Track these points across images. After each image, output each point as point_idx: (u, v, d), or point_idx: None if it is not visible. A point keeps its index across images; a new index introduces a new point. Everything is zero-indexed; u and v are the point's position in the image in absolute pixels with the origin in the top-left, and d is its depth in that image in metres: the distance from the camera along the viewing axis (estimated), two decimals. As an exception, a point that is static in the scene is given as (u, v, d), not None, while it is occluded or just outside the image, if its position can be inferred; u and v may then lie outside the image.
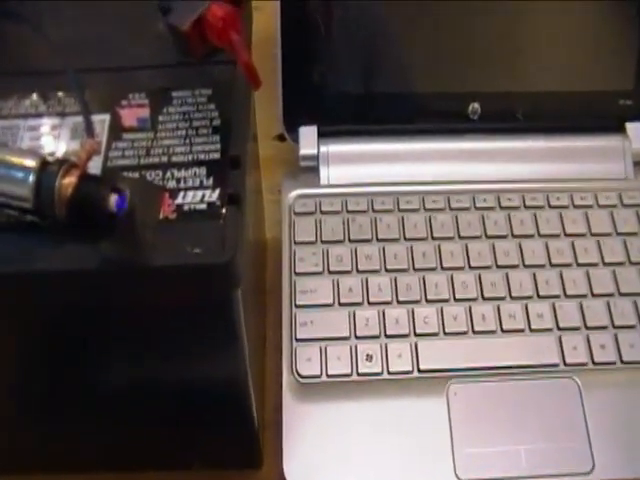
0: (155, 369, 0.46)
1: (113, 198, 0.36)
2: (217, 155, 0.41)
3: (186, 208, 0.39)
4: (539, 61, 0.65)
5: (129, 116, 0.43)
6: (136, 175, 0.40)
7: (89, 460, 0.53)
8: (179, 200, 0.39)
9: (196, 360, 0.45)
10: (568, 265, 0.61)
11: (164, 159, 0.41)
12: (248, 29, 0.47)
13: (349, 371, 0.55)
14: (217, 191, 0.39)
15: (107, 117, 0.43)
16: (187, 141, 0.42)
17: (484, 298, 0.59)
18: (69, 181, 0.36)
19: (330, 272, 0.59)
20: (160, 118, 0.43)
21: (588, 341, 0.57)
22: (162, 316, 0.41)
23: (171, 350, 0.43)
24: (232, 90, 0.44)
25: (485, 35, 0.64)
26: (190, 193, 0.39)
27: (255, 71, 0.39)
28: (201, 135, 0.42)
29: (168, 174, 0.40)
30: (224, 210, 0.38)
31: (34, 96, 0.44)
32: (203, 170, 0.40)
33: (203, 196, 0.39)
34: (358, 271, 0.59)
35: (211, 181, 0.40)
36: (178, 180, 0.40)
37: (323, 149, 0.64)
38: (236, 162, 0.40)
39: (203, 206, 0.39)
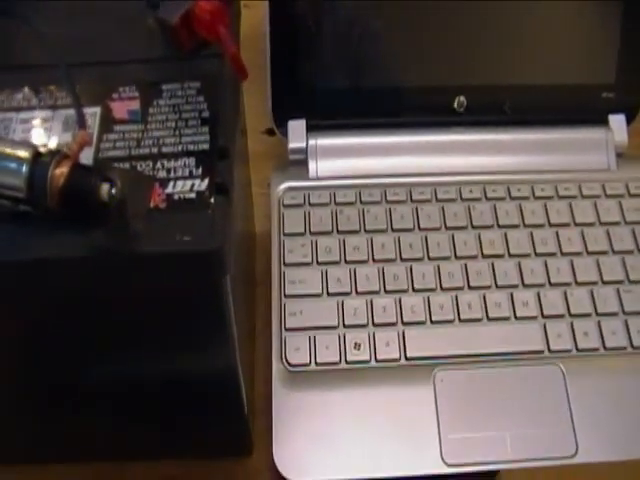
0: (145, 357, 0.46)
1: (104, 188, 0.36)
2: (206, 146, 0.42)
3: (176, 197, 0.39)
4: (524, 55, 0.66)
5: (120, 109, 0.43)
6: (127, 166, 0.41)
7: (79, 450, 0.54)
8: (169, 189, 0.40)
9: (186, 348, 0.45)
10: (552, 254, 0.62)
11: (154, 150, 0.42)
12: (236, 24, 0.47)
13: (337, 359, 0.56)
14: (206, 181, 0.40)
15: (98, 110, 0.43)
16: (177, 132, 0.42)
17: (470, 287, 0.60)
18: (61, 171, 0.36)
19: (319, 263, 0.60)
20: (150, 110, 0.43)
21: (572, 328, 0.58)
22: (153, 303, 0.41)
23: (161, 338, 0.44)
24: (220, 83, 0.44)
25: (471, 29, 0.65)
26: (180, 183, 0.40)
27: (242, 63, 0.40)
28: (190, 127, 0.42)
29: (158, 164, 0.41)
30: (212, 199, 0.39)
31: (26, 90, 0.44)
32: (192, 160, 0.41)
33: (192, 185, 0.40)
34: (346, 262, 0.60)
35: (200, 171, 0.40)
36: (168, 170, 0.41)
37: (312, 142, 0.65)
38: (224, 152, 0.41)
39: (192, 195, 0.39)
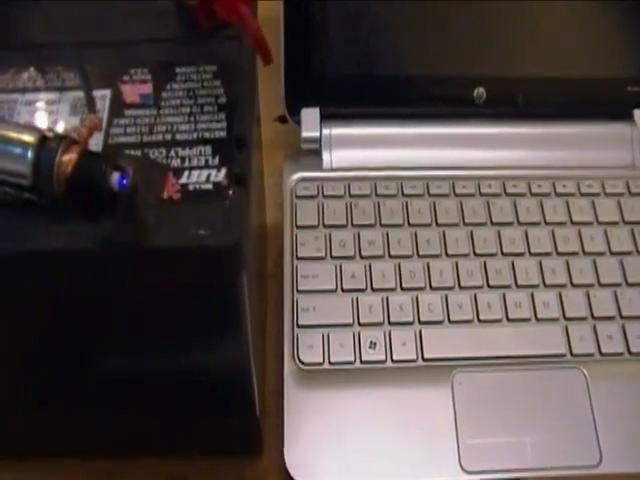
0: (156, 354, 0.45)
1: (115, 176, 0.35)
2: (223, 134, 0.40)
3: (191, 188, 0.37)
4: (546, 46, 0.64)
5: (131, 92, 0.41)
6: (139, 153, 0.39)
7: (88, 446, 0.53)
8: (184, 179, 0.38)
9: (198, 345, 0.43)
10: (574, 254, 0.60)
11: (168, 137, 0.40)
12: (254, 4, 0.45)
13: (352, 359, 0.55)
14: (223, 171, 0.38)
15: (108, 93, 0.41)
16: (192, 119, 0.40)
17: (489, 286, 0.58)
18: (69, 158, 0.35)
19: (333, 257, 0.58)
20: (163, 94, 0.41)
21: (595, 331, 0.57)
22: (164, 299, 0.39)
23: (172, 335, 0.42)
24: (238, 67, 0.42)
25: (492, 18, 0.63)
26: (195, 172, 0.38)
27: (267, 45, 0.38)
28: (206, 113, 0.41)
29: (172, 152, 0.39)
30: (230, 191, 0.37)
31: (32, 70, 0.42)
32: (208, 149, 0.39)
33: (209, 176, 0.38)
34: (361, 257, 0.58)
35: (217, 160, 0.38)
36: (182, 159, 0.39)
37: (325, 132, 0.63)
38: (242, 141, 0.39)
39: (209, 186, 0.37)
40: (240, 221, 0.36)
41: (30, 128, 0.36)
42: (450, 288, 0.58)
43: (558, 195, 0.63)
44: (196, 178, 0.38)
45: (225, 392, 0.47)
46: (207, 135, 0.40)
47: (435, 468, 0.51)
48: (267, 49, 0.38)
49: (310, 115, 0.63)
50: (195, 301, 0.39)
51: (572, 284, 0.59)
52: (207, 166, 0.38)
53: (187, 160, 0.39)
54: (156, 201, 0.36)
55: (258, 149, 0.57)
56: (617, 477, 0.52)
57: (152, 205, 0.36)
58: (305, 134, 0.63)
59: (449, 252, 0.59)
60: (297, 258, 0.58)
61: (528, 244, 0.60)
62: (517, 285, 0.58)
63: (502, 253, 0.59)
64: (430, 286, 0.57)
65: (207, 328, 0.42)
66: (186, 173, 0.38)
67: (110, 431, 0.51)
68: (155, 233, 0.35)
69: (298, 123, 0.64)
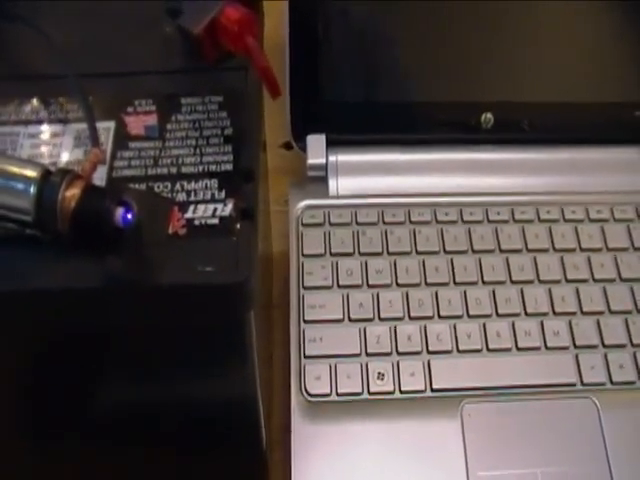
0: (161, 391, 0.44)
1: (119, 211, 0.34)
2: (229, 166, 0.39)
3: (197, 223, 0.37)
4: (554, 71, 0.64)
5: (136, 124, 0.41)
6: (143, 187, 0.38)
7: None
8: (189, 214, 0.37)
9: (203, 380, 0.43)
10: (584, 281, 0.59)
11: (173, 170, 0.39)
12: (261, 34, 0.45)
13: (360, 390, 0.54)
14: (230, 205, 0.37)
15: (112, 125, 0.41)
16: (197, 151, 0.40)
17: (498, 315, 0.57)
18: (72, 193, 0.34)
19: (340, 286, 0.57)
20: (168, 126, 0.41)
21: (606, 360, 0.56)
22: (169, 338, 0.39)
23: (178, 372, 0.41)
24: (244, 97, 0.42)
25: (500, 43, 0.63)
26: (201, 207, 0.37)
27: (275, 78, 0.37)
28: (212, 145, 0.40)
29: (177, 186, 0.39)
30: (238, 225, 0.37)
31: (35, 101, 0.42)
32: (215, 182, 0.39)
33: (215, 210, 0.37)
34: (369, 285, 0.58)
35: (223, 194, 0.38)
36: (188, 192, 0.38)
37: (332, 158, 0.63)
38: (249, 174, 0.39)
39: (215, 221, 0.37)
40: (248, 257, 0.35)
41: (33, 163, 0.36)
42: (459, 317, 0.57)
43: (567, 221, 0.62)
44: (202, 213, 0.37)
45: (231, 427, 0.46)
46: (213, 168, 0.39)
47: (445, 501, 0.51)
48: (275, 82, 0.37)
49: (316, 142, 0.63)
50: (201, 338, 0.39)
51: (582, 312, 0.58)
52: (213, 200, 0.38)
53: (193, 194, 0.38)
54: (161, 237, 0.35)
55: (264, 177, 0.56)
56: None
57: (157, 241, 0.35)
58: (311, 161, 0.63)
59: (457, 280, 0.58)
60: (303, 287, 0.57)
61: (537, 271, 0.59)
62: (526, 313, 0.57)
63: (511, 281, 0.59)
64: (438, 315, 0.57)
65: (213, 364, 0.41)
66: (192, 207, 0.38)
67: (116, 465, 0.50)
68: (160, 270, 0.35)
69: (304, 150, 0.63)
